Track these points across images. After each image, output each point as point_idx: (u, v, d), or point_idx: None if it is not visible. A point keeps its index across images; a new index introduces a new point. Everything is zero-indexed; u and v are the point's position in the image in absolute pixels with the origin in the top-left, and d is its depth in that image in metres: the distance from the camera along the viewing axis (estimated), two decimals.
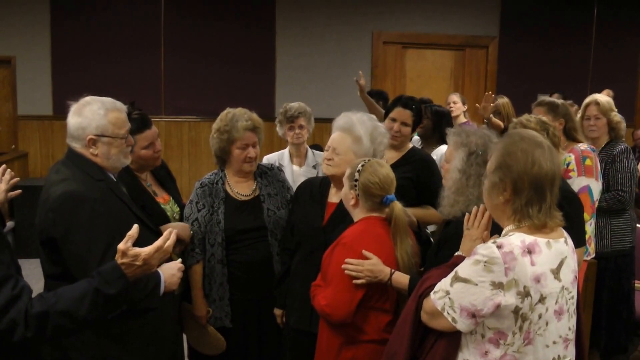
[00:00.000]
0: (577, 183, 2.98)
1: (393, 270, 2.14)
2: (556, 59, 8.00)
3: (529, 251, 1.59)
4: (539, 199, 1.63)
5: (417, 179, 2.88)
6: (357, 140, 2.50)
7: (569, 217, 2.33)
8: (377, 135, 2.57)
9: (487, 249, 1.60)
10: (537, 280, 1.59)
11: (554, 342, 1.66)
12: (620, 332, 3.56)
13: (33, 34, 6.99)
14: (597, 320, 3.42)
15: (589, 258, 3.12)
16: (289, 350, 2.61)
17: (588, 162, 3.03)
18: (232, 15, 7.37)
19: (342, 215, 2.45)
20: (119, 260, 1.70)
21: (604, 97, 3.59)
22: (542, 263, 1.60)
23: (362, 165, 2.26)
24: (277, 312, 2.75)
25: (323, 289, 2.23)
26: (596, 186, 3.04)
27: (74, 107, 2.11)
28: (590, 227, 3.11)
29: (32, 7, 6.97)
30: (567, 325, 1.69)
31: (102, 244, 1.95)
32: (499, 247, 1.59)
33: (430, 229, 3.25)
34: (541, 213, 1.64)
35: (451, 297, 1.64)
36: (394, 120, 3.03)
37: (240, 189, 2.80)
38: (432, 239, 2.99)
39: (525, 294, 1.57)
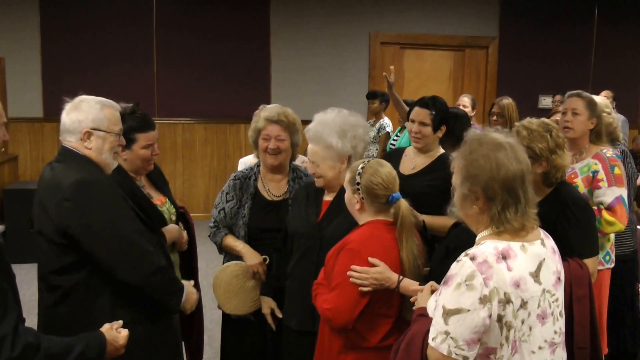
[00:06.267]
0: (610, 194, 2.90)
1: (401, 277, 2.11)
2: (557, 60, 7.95)
3: (504, 257, 1.55)
4: (514, 200, 1.60)
5: (443, 186, 2.77)
6: (328, 147, 2.49)
7: (579, 224, 2.30)
8: (349, 130, 2.52)
9: (462, 265, 1.54)
10: (517, 285, 1.54)
11: (540, 348, 1.61)
12: (626, 339, 3.50)
13: (23, 35, 6.91)
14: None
15: (612, 265, 3.07)
16: (291, 351, 2.59)
17: (617, 170, 2.95)
18: (226, 16, 7.31)
19: (336, 211, 2.46)
20: (106, 332, 1.85)
21: (596, 99, 3.46)
22: (520, 267, 1.56)
23: (362, 167, 2.21)
24: (267, 309, 2.72)
25: (326, 290, 2.20)
26: (626, 194, 2.98)
27: (69, 105, 2.16)
28: (612, 236, 3.06)
29: (21, 7, 6.89)
30: (552, 329, 1.64)
31: (127, 222, 2.08)
32: (472, 258, 1.54)
33: None
34: (518, 214, 1.60)
35: (452, 335, 1.53)
36: (412, 121, 2.95)
37: (272, 188, 2.84)
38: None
39: (506, 300, 1.52)
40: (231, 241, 2.78)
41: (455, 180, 1.67)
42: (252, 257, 2.72)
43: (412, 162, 2.95)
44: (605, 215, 2.86)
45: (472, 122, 5.19)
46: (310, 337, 2.44)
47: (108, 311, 2.05)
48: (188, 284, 2.29)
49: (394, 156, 3.09)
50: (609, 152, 2.99)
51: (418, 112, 2.92)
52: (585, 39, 8.02)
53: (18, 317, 1.62)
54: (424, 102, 2.96)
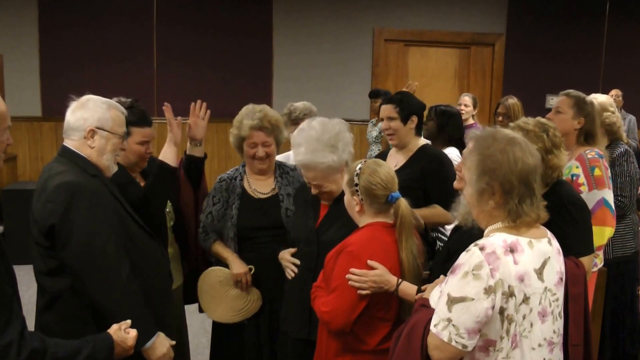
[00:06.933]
0: (591, 198, 2.82)
1: (400, 280, 2.11)
2: (566, 58, 7.85)
3: (512, 250, 1.60)
4: (529, 193, 1.66)
5: (422, 178, 2.84)
6: (326, 169, 2.42)
7: (575, 223, 2.31)
8: (337, 140, 2.46)
9: (471, 255, 1.59)
10: (521, 279, 1.59)
11: (539, 345, 1.66)
12: (625, 341, 3.49)
13: (21, 32, 6.84)
14: (601, 329, 3.35)
15: (595, 268, 3.02)
16: (287, 358, 2.59)
17: (597, 172, 2.87)
18: (228, 12, 7.24)
19: (335, 216, 2.46)
20: (114, 333, 1.83)
21: (599, 97, 3.44)
22: (525, 262, 1.61)
23: (360, 168, 2.20)
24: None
25: (325, 293, 2.20)
26: (610, 195, 2.90)
27: (75, 103, 2.17)
28: None
29: (19, 3, 6.82)
30: (551, 328, 1.68)
31: (104, 234, 2.00)
32: (481, 248, 1.59)
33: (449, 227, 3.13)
34: (533, 206, 1.66)
35: (454, 323, 1.58)
36: (382, 119, 3.03)
37: (259, 186, 2.83)
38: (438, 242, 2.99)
39: (509, 293, 1.57)
40: (219, 248, 2.79)
41: (471, 176, 1.68)
42: (237, 266, 2.71)
43: (395, 159, 2.98)
44: None
45: (474, 122, 5.15)
46: (306, 344, 2.42)
47: (94, 321, 2.00)
48: (164, 337, 2.10)
49: (380, 158, 3.10)
50: (591, 152, 2.91)
51: (384, 109, 2.99)
52: (596, 37, 7.89)
53: (23, 321, 1.60)
54: (388, 98, 3.05)
